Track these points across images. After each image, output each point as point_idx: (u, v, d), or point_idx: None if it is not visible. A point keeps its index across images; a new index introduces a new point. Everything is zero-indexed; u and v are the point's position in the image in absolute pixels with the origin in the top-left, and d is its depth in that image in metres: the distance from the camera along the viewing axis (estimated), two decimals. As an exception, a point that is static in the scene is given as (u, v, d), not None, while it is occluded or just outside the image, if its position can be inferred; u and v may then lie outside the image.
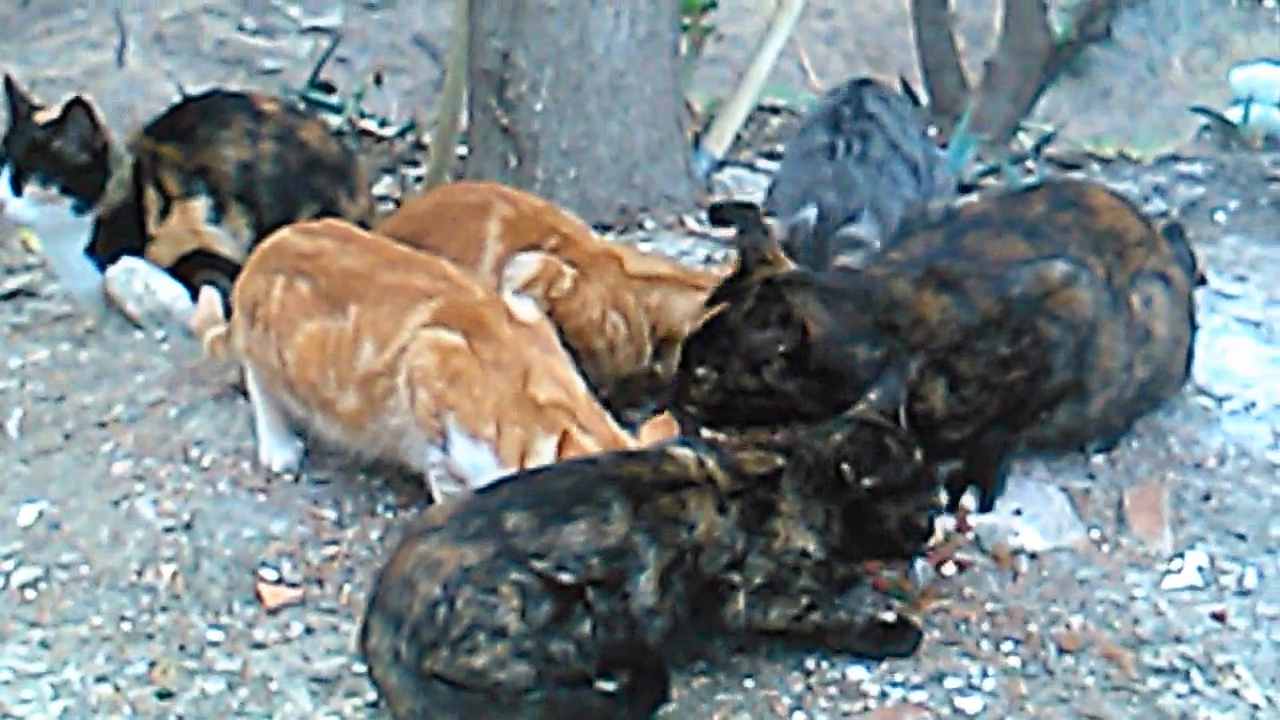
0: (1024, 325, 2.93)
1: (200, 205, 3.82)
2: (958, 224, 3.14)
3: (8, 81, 3.77)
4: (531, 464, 2.74)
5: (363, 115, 5.61)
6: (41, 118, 3.73)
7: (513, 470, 2.74)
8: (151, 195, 3.82)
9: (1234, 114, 5.17)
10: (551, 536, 2.48)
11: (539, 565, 2.45)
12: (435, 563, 2.46)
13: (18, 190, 3.67)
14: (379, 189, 4.83)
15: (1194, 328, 3.26)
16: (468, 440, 2.81)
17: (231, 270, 3.58)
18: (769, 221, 3.26)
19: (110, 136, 3.79)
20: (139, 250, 3.82)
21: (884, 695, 2.64)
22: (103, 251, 3.81)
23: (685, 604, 2.55)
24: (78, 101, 3.72)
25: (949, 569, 2.93)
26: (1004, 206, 3.20)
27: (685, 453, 2.63)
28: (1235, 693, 2.67)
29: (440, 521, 2.53)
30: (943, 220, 3.15)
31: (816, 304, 2.87)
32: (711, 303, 2.95)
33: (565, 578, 2.46)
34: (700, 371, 2.88)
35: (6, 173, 3.67)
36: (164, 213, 3.82)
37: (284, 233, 3.22)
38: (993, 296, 2.94)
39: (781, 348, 2.82)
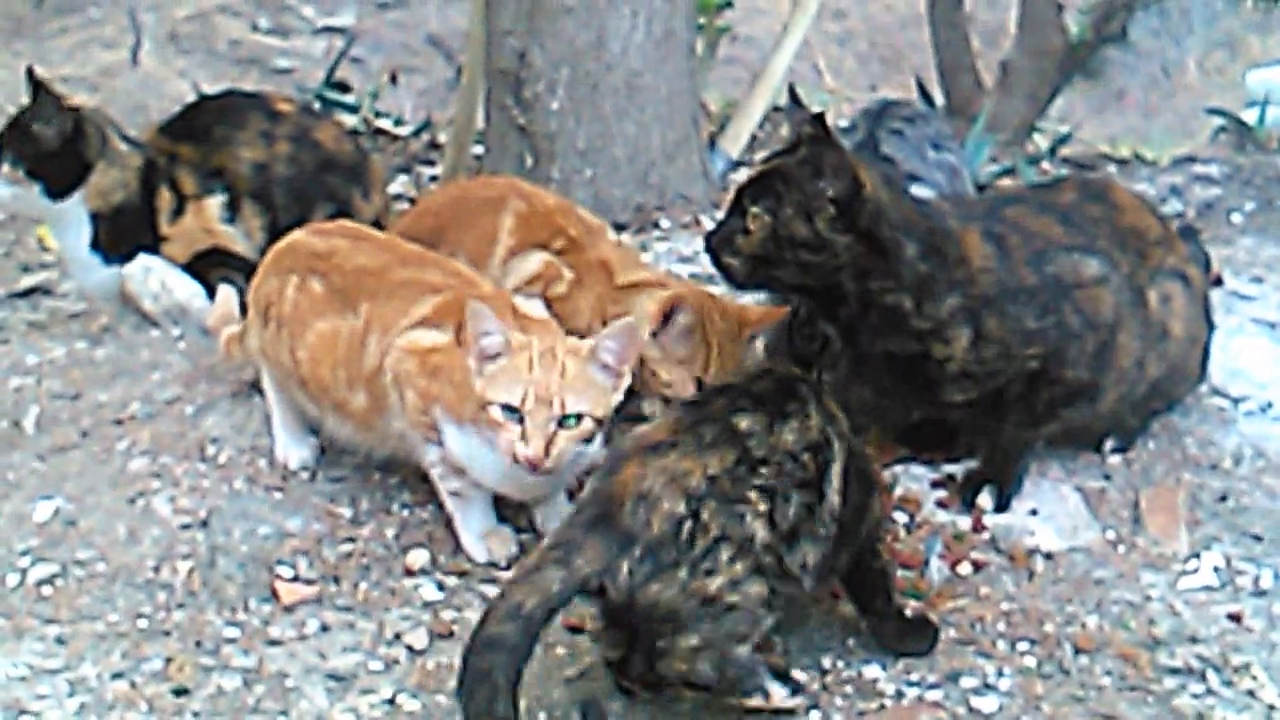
0: (1051, 305, 2.92)
1: (215, 204, 3.83)
2: (995, 199, 3.14)
3: (30, 74, 3.78)
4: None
5: (378, 114, 5.62)
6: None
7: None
8: (165, 195, 3.83)
9: (1249, 115, 5.18)
10: (776, 437, 2.50)
11: (767, 471, 2.47)
12: (681, 473, 2.43)
13: None
14: (394, 188, 4.84)
15: (1210, 327, 3.26)
16: (455, 426, 2.82)
17: (246, 269, 3.59)
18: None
19: (109, 134, 3.80)
20: (149, 248, 3.83)
21: (900, 694, 2.64)
22: (109, 248, 3.82)
23: (847, 505, 2.60)
24: (41, 85, 3.73)
25: (965, 568, 2.93)
26: (1036, 192, 3.22)
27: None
28: (1251, 693, 2.67)
29: (666, 436, 2.49)
30: (978, 198, 3.12)
31: (872, 172, 2.82)
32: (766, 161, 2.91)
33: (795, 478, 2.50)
34: (754, 210, 2.79)
35: None
36: (177, 212, 3.83)
37: (298, 234, 3.23)
38: (1031, 266, 2.93)
39: (832, 193, 2.75)
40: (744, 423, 2.50)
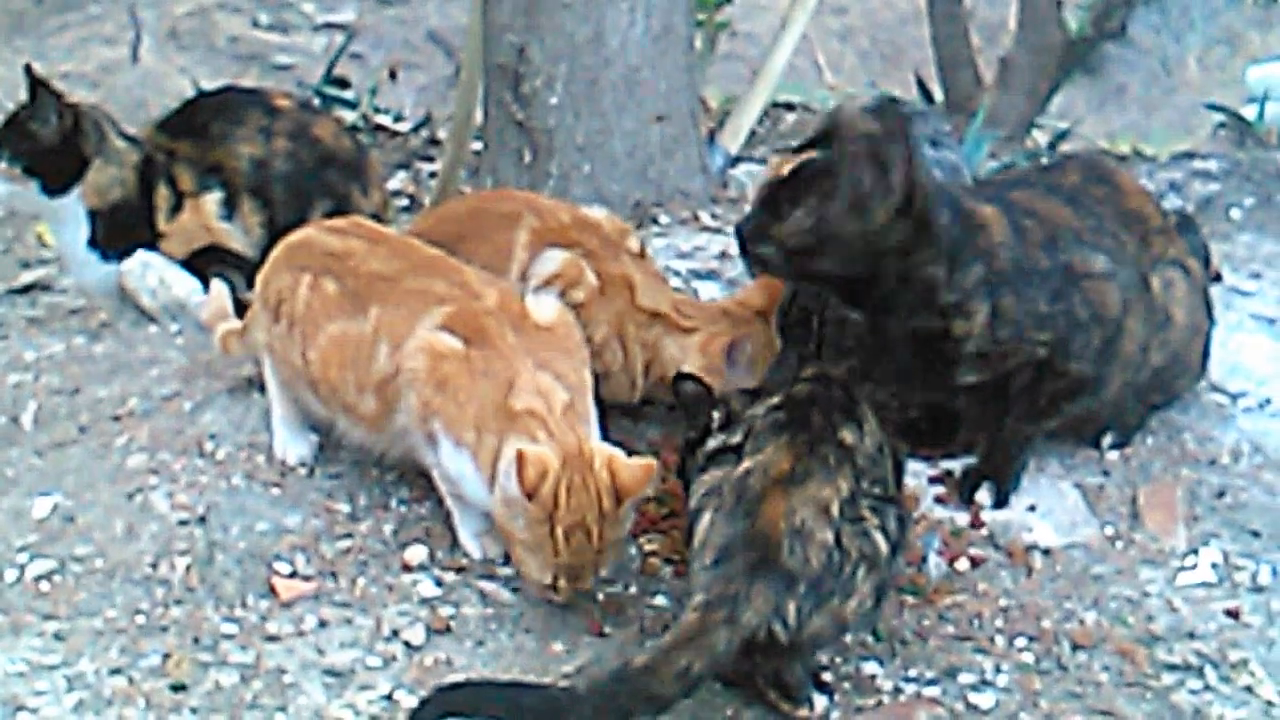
0: (1062, 291, 2.92)
1: (213, 201, 3.83)
2: (1001, 184, 3.14)
3: (28, 71, 3.77)
4: (500, 466, 2.72)
5: (378, 111, 5.62)
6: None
7: (489, 477, 2.76)
8: (163, 192, 3.83)
9: (1249, 111, 5.18)
10: (867, 444, 2.53)
11: (866, 483, 2.50)
12: (825, 501, 2.44)
13: None
14: (394, 184, 4.84)
15: (1211, 321, 3.26)
16: (451, 445, 2.82)
17: (244, 266, 3.58)
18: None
19: (106, 131, 3.80)
20: (147, 245, 3.83)
21: (898, 690, 2.64)
22: (107, 245, 3.82)
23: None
24: (39, 82, 3.73)
25: (963, 564, 2.93)
26: (1040, 175, 3.22)
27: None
28: (1249, 689, 2.67)
29: (791, 464, 2.49)
30: (983, 183, 3.12)
31: (920, 158, 2.81)
32: (796, 152, 2.89)
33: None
34: (798, 214, 2.78)
35: None
36: (175, 209, 3.83)
37: (310, 230, 3.20)
38: (1045, 250, 2.93)
39: (896, 197, 2.73)
40: (848, 436, 2.53)
